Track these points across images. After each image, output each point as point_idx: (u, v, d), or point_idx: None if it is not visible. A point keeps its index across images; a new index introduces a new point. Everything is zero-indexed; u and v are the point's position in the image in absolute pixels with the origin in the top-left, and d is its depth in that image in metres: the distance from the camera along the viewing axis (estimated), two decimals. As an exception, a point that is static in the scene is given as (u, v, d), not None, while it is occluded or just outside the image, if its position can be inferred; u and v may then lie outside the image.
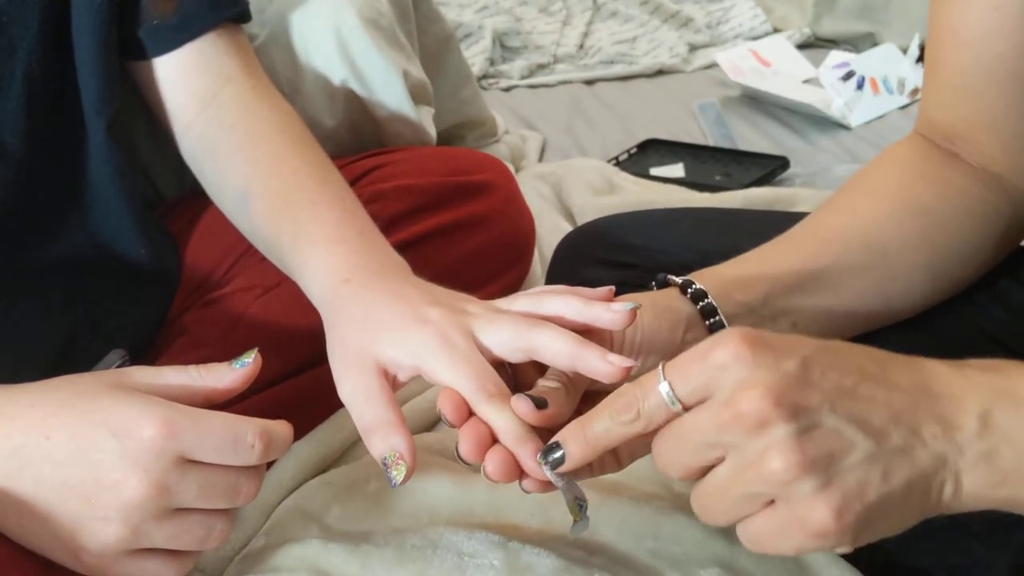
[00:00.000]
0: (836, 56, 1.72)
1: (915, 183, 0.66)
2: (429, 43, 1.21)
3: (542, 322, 0.53)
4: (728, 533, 0.64)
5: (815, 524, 0.41)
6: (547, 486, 0.51)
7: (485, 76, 1.91)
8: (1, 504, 0.50)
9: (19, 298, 0.73)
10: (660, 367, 0.44)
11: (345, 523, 0.68)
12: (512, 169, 1.26)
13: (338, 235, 0.65)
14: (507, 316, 0.55)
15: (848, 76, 1.66)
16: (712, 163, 1.49)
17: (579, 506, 0.50)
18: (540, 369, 0.55)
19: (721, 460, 0.43)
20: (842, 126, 1.61)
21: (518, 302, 0.57)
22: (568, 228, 1.15)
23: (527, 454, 0.50)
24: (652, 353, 0.55)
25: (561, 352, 0.51)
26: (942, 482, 0.42)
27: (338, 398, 0.57)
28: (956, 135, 0.67)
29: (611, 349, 0.53)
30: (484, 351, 0.54)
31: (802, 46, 1.97)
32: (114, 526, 0.50)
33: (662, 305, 0.57)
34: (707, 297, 0.58)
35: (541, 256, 1.09)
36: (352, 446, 0.80)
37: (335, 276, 0.61)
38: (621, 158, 1.52)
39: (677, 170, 1.47)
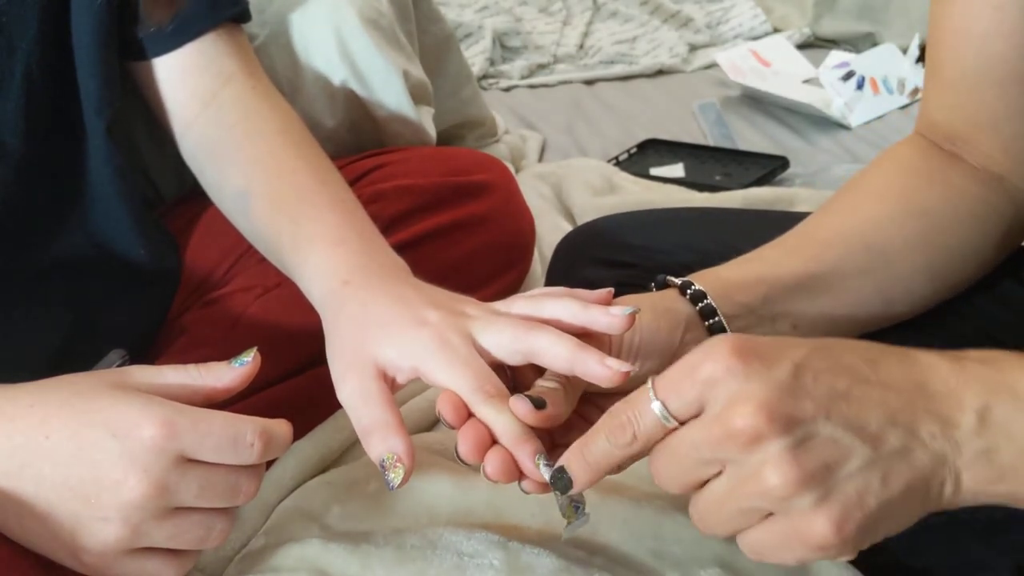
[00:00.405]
0: (836, 56, 1.72)
1: (916, 184, 0.66)
2: (429, 43, 1.21)
3: (541, 325, 0.53)
4: (728, 533, 0.64)
5: (816, 537, 0.41)
6: (547, 487, 0.51)
7: (485, 76, 1.91)
8: (1, 504, 0.50)
9: (19, 298, 0.73)
10: (650, 383, 0.44)
11: (345, 523, 0.68)
12: (512, 169, 1.26)
13: (338, 236, 0.65)
14: (506, 319, 0.55)
15: (848, 76, 1.66)
16: (712, 163, 1.49)
17: (575, 507, 0.50)
18: (539, 371, 0.55)
19: (719, 474, 0.43)
20: (842, 126, 1.61)
21: (517, 305, 0.57)
22: (568, 228, 1.15)
23: (526, 455, 0.50)
24: (651, 354, 0.55)
25: (559, 356, 0.51)
26: (941, 481, 0.42)
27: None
28: (957, 136, 0.66)
29: (609, 351, 0.53)
30: (483, 353, 0.54)
31: (802, 46, 1.97)
32: (114, 526, 0.50)
33: (661, 307, 0.57)
34: (706, 298, 0.58)
35: (541, 256, 1.09)
36: (352, 446, 0.80)
37: (335, 277, 0.61)
38: (621, 158, 1.52)
39: (677, 170, 1.47)
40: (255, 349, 0.56)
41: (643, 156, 1.53)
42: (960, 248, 0.65)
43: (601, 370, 0.50)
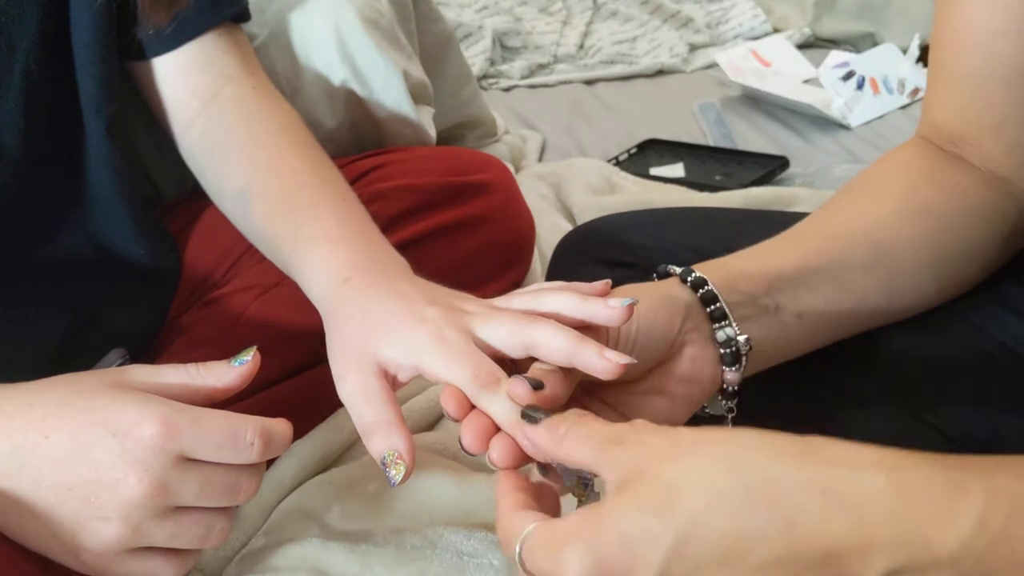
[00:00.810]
0: (836, 56, 1.72)
1: (920, 183, 0.66)
2: (429, 43, 1.21)
3: (540, 318, 0.53)
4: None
5: None
6: (552, 468, 0.51)
7: (485, 76, 1.91)
8: (0, 503, 0.50)
9: (19, 298, 0.73)
10: (519, 542, 0.44)
11: (345, 522, 0.68)
12: (512, 169, 1.26)
13: (338, 235, 0.65)
14: (505, 313, 0.55)
15: (848, 76, 1.66)
16: (712, 163, 1.49)
17: (584, 484, 0.50)
18: None
19: None
20: (842, 126, 1.61)
21: (516, 299, 0.57)
22: (568, 228, 1.15)
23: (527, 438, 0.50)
24: (650, 343, 0.55)
25: (559, 349, 0.51)
26: None
27: (338, 398, 0.57)
28: (960, 138, 0.66)
29: (607, 342, 0.53)
30: (482, 347, 0.54)
31: (802, 46, 1.97)
32: (114, 525, 0.50)
33: (659, 295, 0.57)
34: (707, 285, 0.57)
35: (541, 256, 1.09)
36: (352, 445, 0.80)
37: (335, 276, 0.61)
38: (621, 158, 1.52)
39: (677, 170, 1.48)
40: (255, 348, 0.56)
41: (643, 156, 1.54)
42: (964, 247, 0.65)
43: (600, 362, 0.50)
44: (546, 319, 0.53)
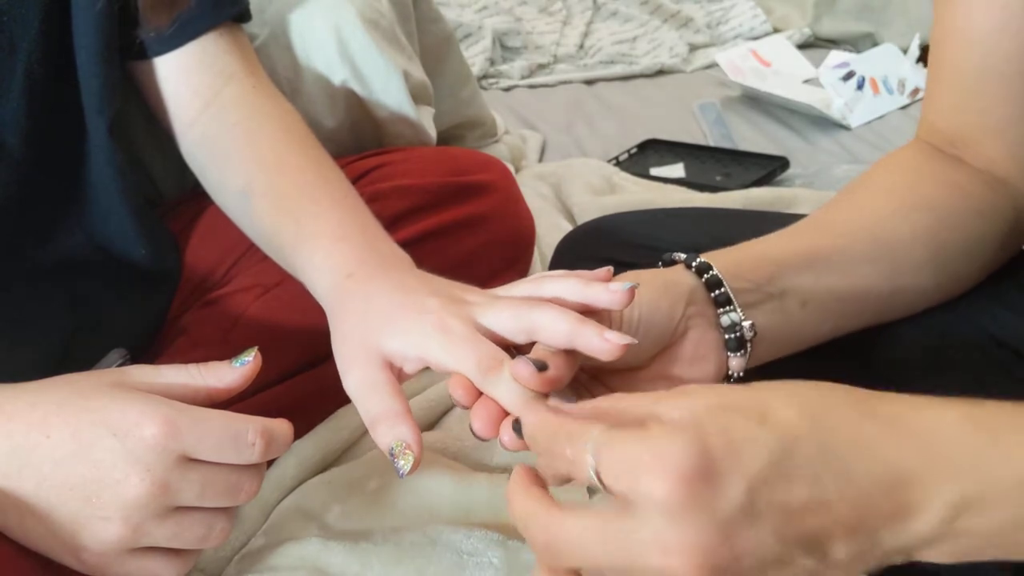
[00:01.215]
0: (836, 56, 1.72)
1: (920, 182, 0.66)
2: (429, 43, 1.21)
3: (541, 303, 0.53)
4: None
5: None
6: None
7: (485, 76, 1.91)
8: (1, 503, 0.50)
9: (20, 298, 0.73)
10: (592, 446, 0.40)
11: (345, 522, 0.68)
12: (512, 169, 1.26)
13: (341, 231, 0.65)
14: (507, 299, 0.55)
15: (848, 76, 1.66)
16: (712, 163, 1.49)
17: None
18: None
19: None
20: (842, 126, 1.61)
21: (518, 287, 0.57)
22: (568, 228, 1.15)
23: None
24: (652, 328, 0.55)
25: (560, 331, 0.51)
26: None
27: (338, 397, 0.57)
28: (959, 139, 0.66)
29: (610, 326, 0.53)
30: (486, 334, 0.54)
31: (802, 46, 1.98)
32: (115, 525, 0.50)
33: (661, 280, 0.57)
34: (712, 270, 0.57)
35: (541, 256, 1.09)
36: (352, 445, 0.80)
37: (339, 272, 0.62)
38: (621, 158, 1.52)
39: (677, 170, 1.48)
40: (256, 349, 0.56)
41: (643, 156, 1.54)
42: (965, 244, 0.65)
43: (601, 343, 0.50)
44: (547, 303, 0.53)
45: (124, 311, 0.80)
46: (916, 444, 0.39)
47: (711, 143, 1.59)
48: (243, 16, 0.81)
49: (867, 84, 1.66)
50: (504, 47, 2.02)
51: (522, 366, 0.50)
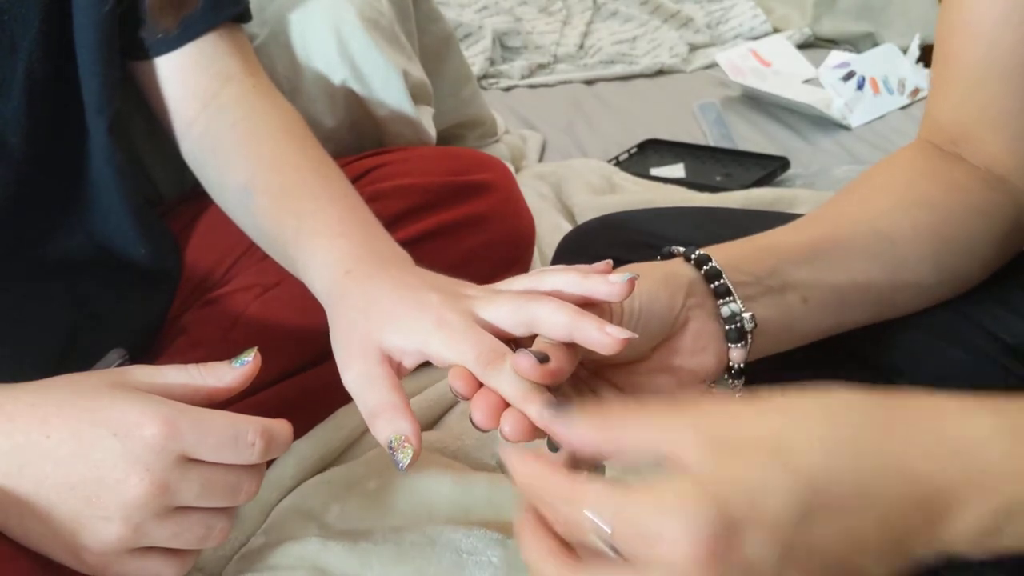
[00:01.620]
0: (836, 56, 1.72)
1: (921, 181, 0.66)
2: (429, 43, 1.21)
3: (541, 296, 0.53)
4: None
5: None
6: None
7: (485, 76, 1.91)
8: (1, 503, 0.50)
9: (20, 298, 0.73)
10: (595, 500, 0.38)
11: (344, 521, 0.68)
12: (512, 169, 1.26)
13: (340, 228, 0.65)
14: (506, 293, 0.55)
15: (848, 76, 1.66)
16: (712, 163, 1.49)
17: (596, 464, 0.50)
18: None
19: None
20: (842, 126, 1.61)
21: (518, 282, 0.57)
22: (568, 228, 1.15)
23: (536, 409, 0.50)
24: (652, 319, 0.55)
25: (559, 324, 0.51)
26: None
27: (338, 397, 0.57)
28: (961, 136, 0.67)
29: (611, 318, 0.53)
30: (486, 327, 0.54)
31: (802, 46, 1.97)
32: (115, 525, 0.50)
33: (662, 272, 0.56)
34: (711, 262, 0.57)
35: (541, 256, 1.10)
36: (352, 445, 0.80)
37: (338, 268, 0.62)
38: (621, 158, 1.52)
39: (677, 170, 1.48)
40: (255, 349, 0.56)
41: (643, 156, 1.54)
42: (966, 241, 0.65)
43: (600, 337, 0.50)
44: (547, 296, 0.53)
45: (124, 311, 0.80)
46: (950, 457, 0.37)
47: (711, 143, 1.59)
48: (243, 16, 0.81)
49: (867, 84, 1.66)
50: (504, 47, 2.02)
51: (523, 358, 0.50)
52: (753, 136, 1.61)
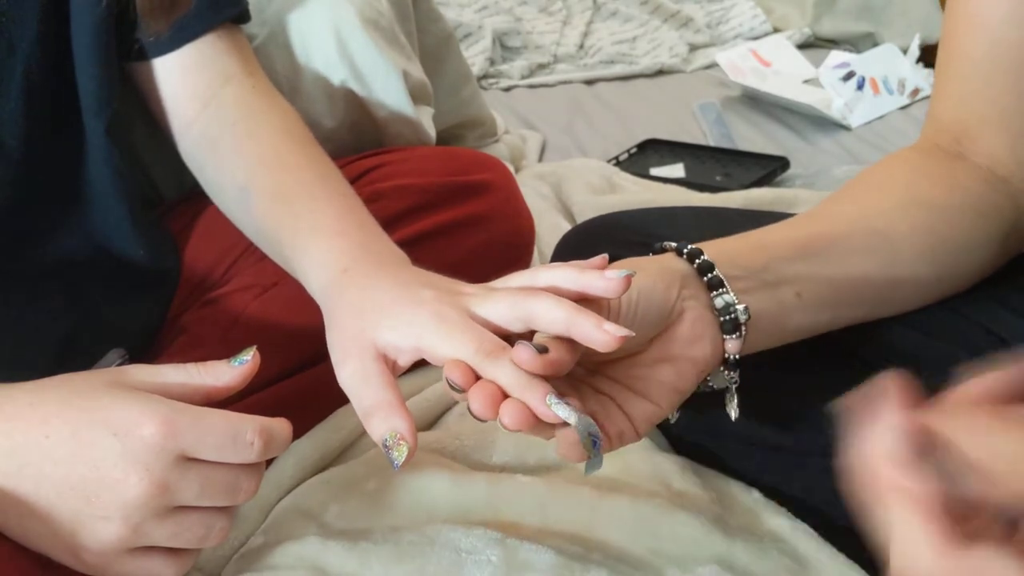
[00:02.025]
0: (836, 56, 1.72)
1: (920, 180, 0.66)
2: (429, 43, 1.21)
3: (538, 291, 0.53)
4: (726, 531, 0.64)
5: None
6: (564, 425, 0.50)
7: (485, 76, 1.91)
8: (1, 503, 0.50)
9: (19, 298, 0.73)
10: None
11: (343, 521, 0.68)
12: (512, 169, 1.26)
13: (338, 228, 0.65)
14: (503, 290, 0.55)
15: (848, 76, 1.66)
16: (712, 163, 1.49)
17: (592, 442, 0.50)
18: None
19: None
20: (842, 126, 1.61)
21: (514, 279, 0.57)
22: (568, 228, 1.15)
23: (536, 399, 0.50)
24: (648, 312, 0.55)
25: (557, 319, 0.51)
26: None
27: (338, 396, 0.57)
28: (963, 134, 0.67)
29: (608, 313, 0.53)
30: (483, 323, 0.54)
31: (802, 46, 1.98)
32: (115, 525, 0.50)
33: (656, 267, 0.57)
34: (703, 255, 0.58)
35: (541, 256, 1.10)
36: (351, 444, 0.80)
37: (334, 267, 0.62)
38: (621, 158, 1.52)
39: (677, 170, 1.48)
40: (254, 348, 0.56)
41: (643, 156, 1.54)
42: (964, 241, 0.65)
43: (598, 334, 0.50)
44: (543, 292, 0.53)
45: (123, 311, 0.80)
46: None
47: (711, 143, 1.59)
48: (242, 17, 0.81)
49: (867, 84, 1.66)
50: (504, 47, 2.02)
51: (523, 350, 0.50)
52: (753, 136, 1.61)
